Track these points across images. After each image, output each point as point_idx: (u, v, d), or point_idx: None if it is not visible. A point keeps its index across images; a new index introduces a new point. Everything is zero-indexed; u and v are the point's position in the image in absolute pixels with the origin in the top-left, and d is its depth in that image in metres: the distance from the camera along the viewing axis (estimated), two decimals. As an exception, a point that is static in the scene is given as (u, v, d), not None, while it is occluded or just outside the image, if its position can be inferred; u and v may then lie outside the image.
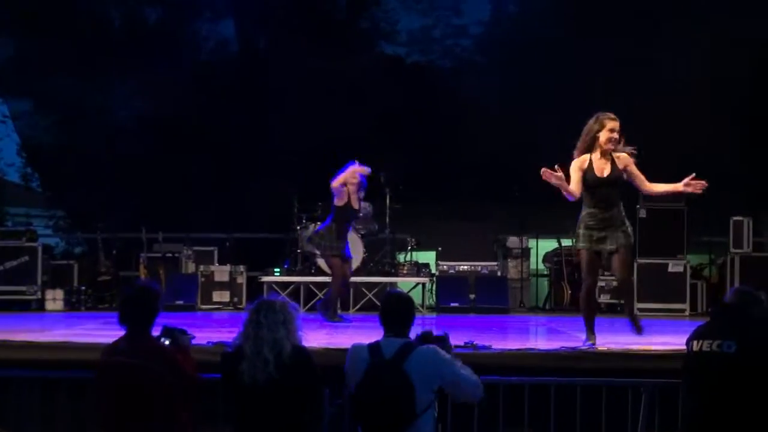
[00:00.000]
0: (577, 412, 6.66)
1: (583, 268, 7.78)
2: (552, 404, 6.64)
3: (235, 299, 13.38)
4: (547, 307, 13.66)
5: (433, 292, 13.40)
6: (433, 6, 19.24)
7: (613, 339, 7.90)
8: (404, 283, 13.18)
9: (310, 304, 12.46)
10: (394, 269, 13.45)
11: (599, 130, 7.62)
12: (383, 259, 13.53)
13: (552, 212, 14.76)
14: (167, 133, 17.04)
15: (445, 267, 13.66)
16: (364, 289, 12.93)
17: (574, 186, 7.57)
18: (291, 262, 13.48)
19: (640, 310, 12.37)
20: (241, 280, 13.46)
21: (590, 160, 7.64)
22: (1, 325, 9.79)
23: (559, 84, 16.42)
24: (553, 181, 7.40)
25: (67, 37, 17.49)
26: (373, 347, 5.46)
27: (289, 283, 13.03)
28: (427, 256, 14.13)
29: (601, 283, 12.01)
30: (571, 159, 7.71)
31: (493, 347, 7.22)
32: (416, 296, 12.74)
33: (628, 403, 6.67)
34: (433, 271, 13.65)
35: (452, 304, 12.89)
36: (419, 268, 13.45)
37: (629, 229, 7.70)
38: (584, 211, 7.69)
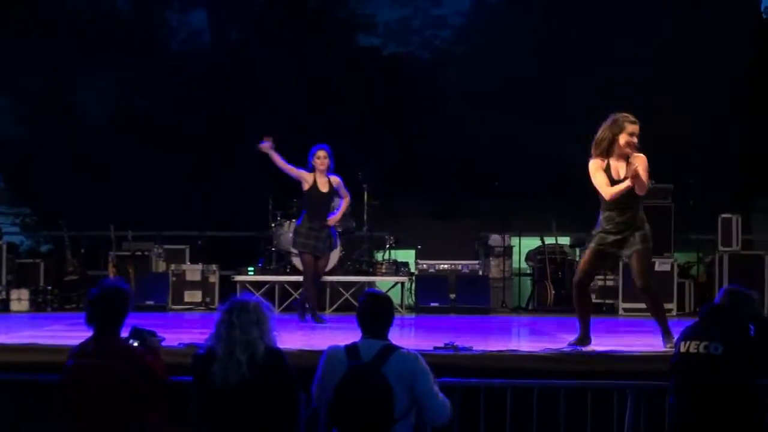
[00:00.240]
0: (560, 415, 6.63)
1: (582, 260, 7.65)
2: (535, 407, 6.60)
3: (208, 299, 13.26)
4: (530, 307, 13.51)
5: (413, 292, 13.34)
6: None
7: (597, 341, 7.79)
8: (383, 282, 13.10)
9: (285, 304, 12.46)
10: (372, 268, 13.33)
11: (618, 133, 7.39)
12: (361, 257, 13.44)
13: (536, 209, 14.62)
14: (137, 128, 16.89)
15: (424, 266, 13.56)
16: (341, 289, 12.83)
17: (606, 185, 7.37)
18: (265, 261, 13.38)
19: (626, 309, 12.29)
20: (214, 279, 13.36)
21: (608, 162, 7.43)
22: (-36, 326, 9.66)
23: (542, 76, 16.29)
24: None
25: (35, 30, 17.22)
26: (351, 349, 5.40)
27: (263, 283, 12.93)
28: (406, 255, 14.05)
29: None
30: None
31: (474, 349, 7.19)
32: (395, 296, 12.73)
33: (613, 405, 6.59)
34: (413, 270, 13.56)
35: (432, 304, 12.82)
36: (398, 267, 13.34)
37: (648, 232, 7.46)
38: (602, 215, 7.51)
